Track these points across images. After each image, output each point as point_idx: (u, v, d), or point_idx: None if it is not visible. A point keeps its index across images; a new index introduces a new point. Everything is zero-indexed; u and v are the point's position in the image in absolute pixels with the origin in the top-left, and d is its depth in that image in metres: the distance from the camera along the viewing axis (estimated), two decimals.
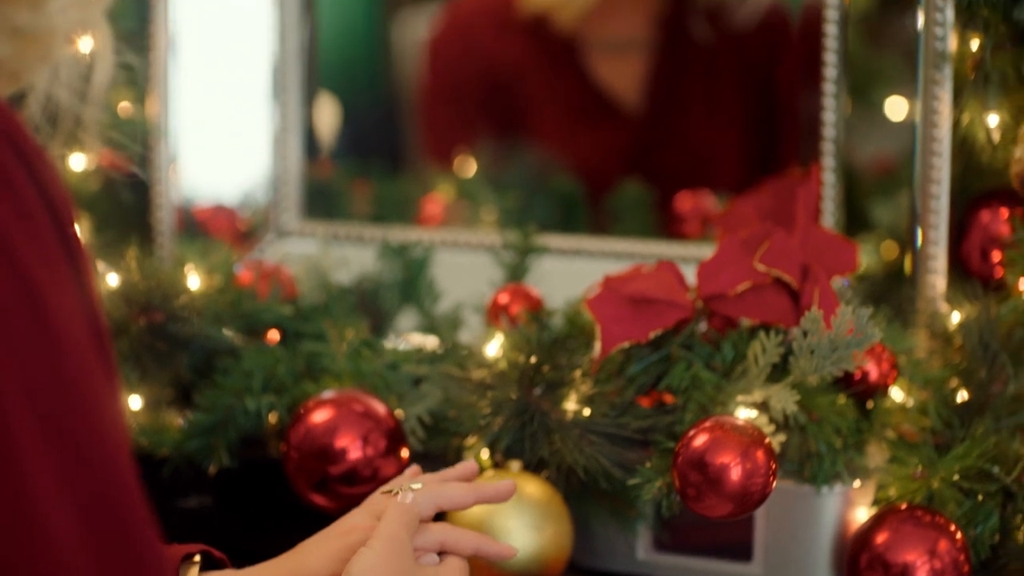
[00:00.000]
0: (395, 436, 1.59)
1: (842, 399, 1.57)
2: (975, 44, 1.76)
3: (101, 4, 1.12)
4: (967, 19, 1.76)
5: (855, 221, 2.09)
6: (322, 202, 2.20)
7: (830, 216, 1.86)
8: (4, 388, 0.94)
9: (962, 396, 1.67)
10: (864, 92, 2.24)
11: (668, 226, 2.20)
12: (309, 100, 2.17)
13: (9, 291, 0.95)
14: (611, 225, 2.19)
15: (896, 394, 1.65)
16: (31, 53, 1.07)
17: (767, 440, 1.44)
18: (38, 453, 0.95)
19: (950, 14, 1.75)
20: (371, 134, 2.54)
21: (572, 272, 1.87)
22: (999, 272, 1.75)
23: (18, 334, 0.95)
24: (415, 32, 2.83)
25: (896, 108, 2.05)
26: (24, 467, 0.94)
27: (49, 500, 0.95)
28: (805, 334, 1.50)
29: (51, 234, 0.98)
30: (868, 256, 2.01)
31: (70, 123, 1.18)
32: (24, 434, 0.94)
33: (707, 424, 1.43)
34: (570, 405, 1.59)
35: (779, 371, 1.55)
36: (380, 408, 1.60)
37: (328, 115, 2.30)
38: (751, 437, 1.43)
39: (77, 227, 1.01)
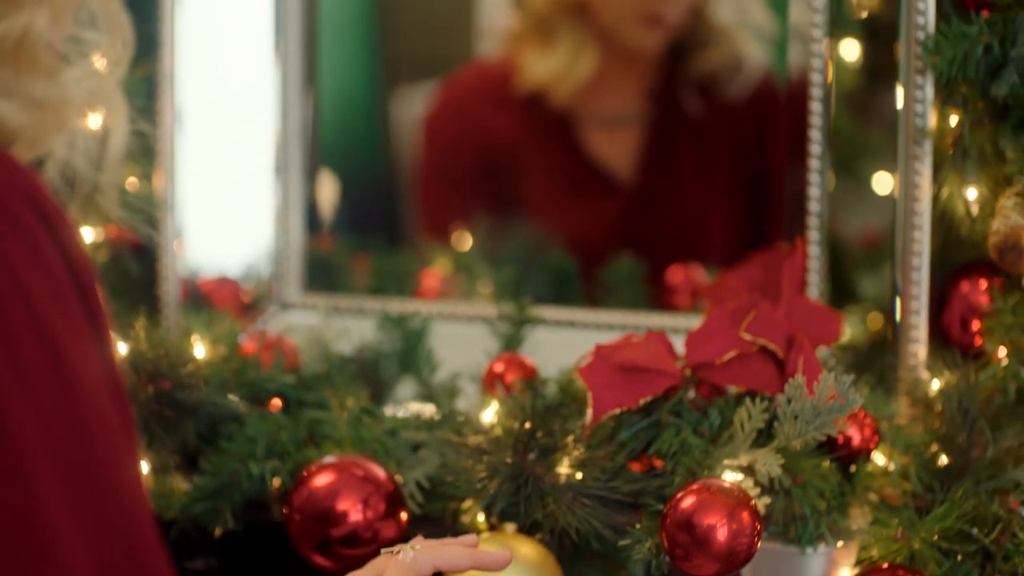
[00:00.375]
0: (394, 500, 1.64)
1: (826, 463, 1.62)
2: (954, 120, 1.81)
3: (115, 76, 1.18)
4: (946, 96, 1.82)
5: (842, 293, 2.13)
6: (323, 275, 2.23)
7: (815, 288, 1.91)
8: (23, 434, 0.98)
9: (942, 460, 1.72)
10: (851, 167, 2.29)
11: (659, 298, 2.23)
12: (311, 176, 2.21)
13: (32, 343, 0.99)
14: (603, 297, 2.22)
15: (878, 458, 1.70)
16: (48, 122, 1.12)
17: (752, 502, 1.50)
18: (55, 495, 0.99)
19: (930, 91, 1.81)
20: (370, 209, 2.57)
21: (565, 342, 1.89)
22: (978, 341, 1.79)
23: (39, 383, 0.99)
24: (413, 108, 2.86)
25: (882, 182, 2.09)
26: (40, 508, 0.98)
27: (65, 539, 0.99)
28: (789, 400, 1.56)
29: (72, 292, 1.02)
30: (854, 327, 2.05)
31: (87, 189, 1.23)
32: (42, 477, 0.98)
33: (694, 487, 1.49)
34: (563, 469, 1.63)
35: (764, 436, 1.60)
36: (380, 473, 1.65)
37: (328, 191, 2.34)
38: (737, 499, 1.48)
39: (97, 287, 1.05)
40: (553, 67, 2.44)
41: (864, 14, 2.24)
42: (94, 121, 1.19)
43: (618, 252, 2.28)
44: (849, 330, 2.03)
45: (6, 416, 0.98)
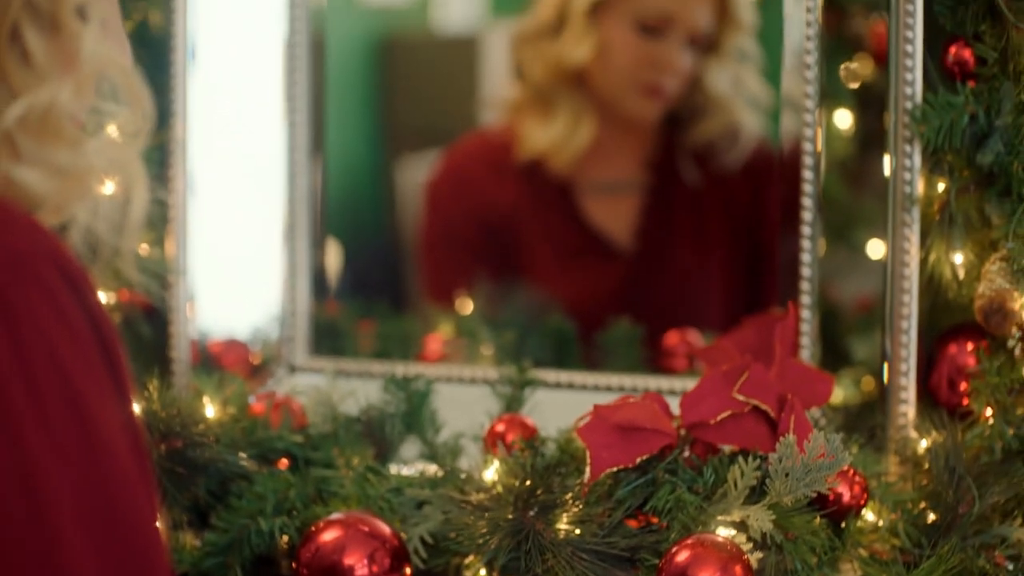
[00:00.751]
0: (399, 555, 1.68)
1: (816, 519, 1.64)
2: (941, 187, 1.85)
3: (136, 146, 1.23)
4: (933, 164, 1.85)
5: (837, 356, 2.18)
6: (329, 339, 2.25)
7: (807, 350, 1.95)
8: (49, 485, 1.02)
9: (930, 517, 1.74)
10: (846, 234, 2.32)
11: (656, 361, 2.25)
12: (318, 242, 2.24)
13: (58, 399, 1.04)
14: (602, 360, 2.24)
15: (868, 515, 1.73)
16: (72, 190, 1.17)
17: (745, 557, 1.54)
18: (79, 543, 1.03)
19: (917, 159, 1.85)
20: (375, 275, 2.59)
21: (564, 403, 1.91)
22: (965, 401, 1.83)
23: (65, 437, 1.04)
24: (417, 177, 2.89)
25: (876, 249, 2.13)
26: (66, 556, 1.03)
27: None
28: (780, 459, 1.60)
29: (96, 351, 1.07)
30: (847, 389, 2.09)
31: (107, 254, 1.28)
32: (67, 525, 1.03)
33: (689, 541, 1.54)
34: (562, 525, 1.66)
35: (757, 493, 1.64)
36: (385, 529, 1.69)
37: (334, 258, 2.37)
38: (730, 553, 1.53)
39: (119, 346, 1.10)
40: (553, 136, 2.46)
41: (856, 84, 2.29)
42: (115, 189, 1.23)
43: (616, 316, 2.29)
44: (842, 392, 2.08)
45: (34, 468, 1.03)
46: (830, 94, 2.30)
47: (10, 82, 1.13)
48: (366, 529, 1.67)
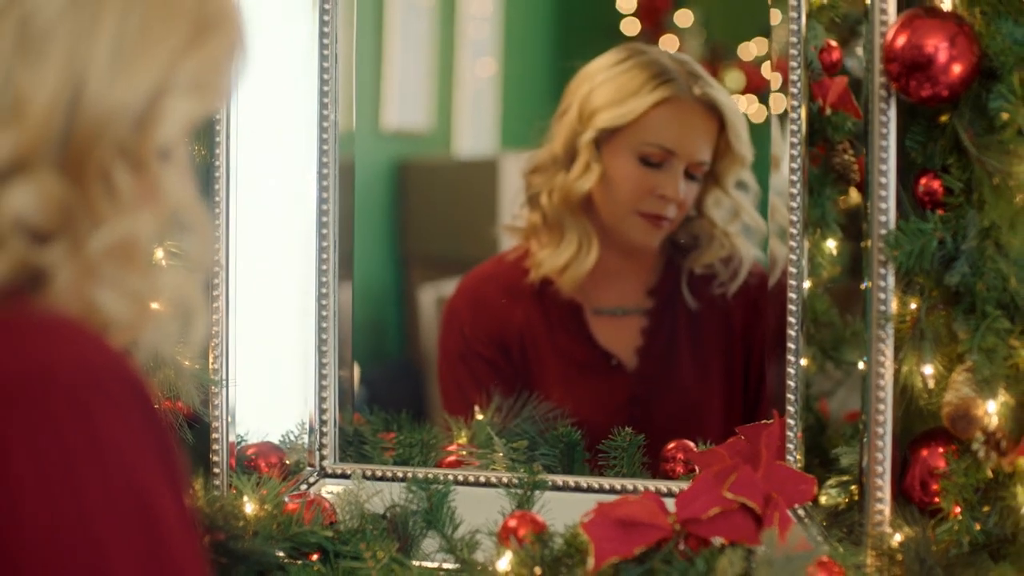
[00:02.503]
0: None
1: None
2: (913, 306, 1.93)
3: (200, 276, 1.37)
4: (906, 284, 1.93)
5: (827, 464, 2.22)
6: (355, 446, 2.31)
7: (791, 456, 2.05)
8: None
9: None
10: (836, 352, 2.43)
11: (656, 467, 2.28)
12: (345, 361, 2.31)
13: (126, 498, 1.15)
14: (606, 466, 2.26)
15: None
16: (143, 313, 1.27)
17: None
18: None
19: (891, 280, 1.93)
20: (397, 389, 2.71)
21: (571, 503, 2.00)
22: (936, 499, 1.91)
23: (132, 531, 1.15)
24: (436, 299, 3.02)
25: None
26: None
27: None
28: (764, 549, 1.76)
29: (157, 456, 1.19)
30: (837, 494, 2.17)
31: (167, 369, 1.40)
32: None
33: None
34: None
35: None
36: None
37: (356, 375, 2.44)
38: None
39: (177, 451, 1.21)
40: (562, 260, 2.53)
41: (843, 213, 2.34)
42: (177, 314, 1.32)
43: (620, 427, 2.28)
44: (834, 496, 2.19)
45: (107, 562, 1.14)
46: (820, 222, 2.35)
47: (96, 212, 1.22)
48: None
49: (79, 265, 1.23)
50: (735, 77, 4.63)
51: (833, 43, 2.39)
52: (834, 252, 2.37)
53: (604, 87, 2.54)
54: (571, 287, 2.56)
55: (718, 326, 2.57)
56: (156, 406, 1.22)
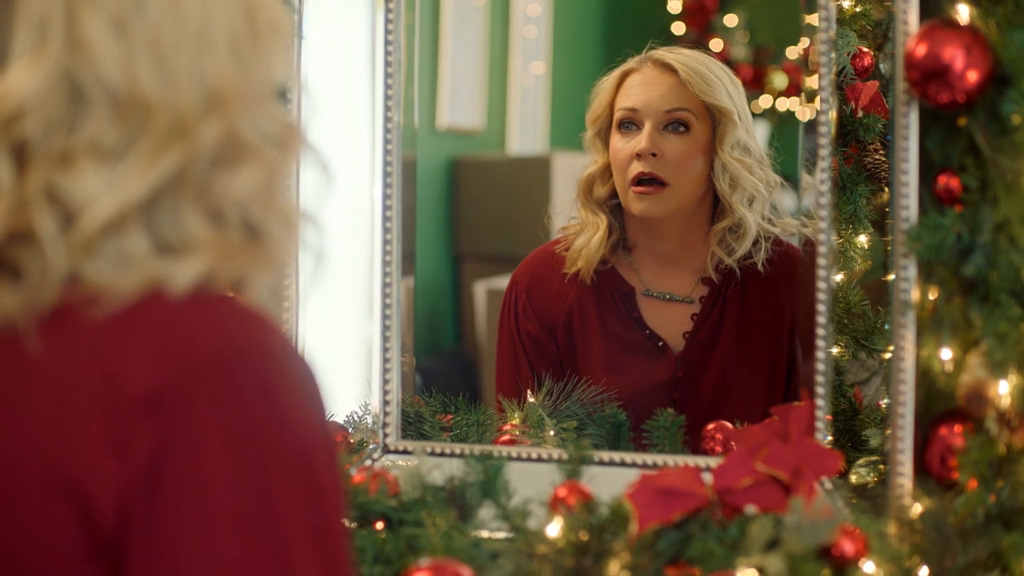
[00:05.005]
0: None
1: (824, 568, 1.88)
2: (932, 294, 2.01)
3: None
4: (926, 275, 2.01)
5: (857, 446, 2.38)
6: (415, 427, 2.45)
7: (820, 434, 2.15)
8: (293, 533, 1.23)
9: (922, 570, 1.94)
10: (870, 341, 2.52)
11: (695, 446, 2.42)
12: (408, 347, 2.44)
13: (301, 474, 1.23)
14: (649, 446, 2.38)
15: (868, 567, 1.91)
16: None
17: None
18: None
19: (912, 271, 2.01)
20: (450, 379, 2.83)
21: (616, 477, 2.10)
22: (954, 474, 1.99)
23: (307, 507, 1.24)
24: (490, 292, 3.14)
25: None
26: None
27: None
28: (792, 516, 1.90)
29: (321, 424, 1.28)
30: (867, 473, 2.29)
31: None
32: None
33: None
34: (613, 571, 1.91)
35: (773, 545, 1.89)
36: (466, 572, 1.92)
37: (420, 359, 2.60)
38: None
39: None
40: (579, 245, 2.67)
41: (873, 210, 2.47)
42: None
43: (663, 408, 2.41)
44: (864, 475, 2.30)
45: (283, 529, 1.22)
46: (852, 218, 2.48)
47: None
48: (451, 572, 1.90)
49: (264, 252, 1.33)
50: (780, 78, 4.76)
51: (865, 49, 2.53)
52: (865, 246, 2.50)
53: (598, 87, 2.72)
54: (587, 269, 2.67)
55: (764, 313, 2.67)
56: (319, 385, 1.29)
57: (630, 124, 2.66)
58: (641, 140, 2.63)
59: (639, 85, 2.66)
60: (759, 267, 2.63)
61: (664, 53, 2.67)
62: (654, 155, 2.63)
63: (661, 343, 2.68)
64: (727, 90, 2.64)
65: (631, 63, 2.69)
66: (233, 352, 1.23)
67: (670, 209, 2.66)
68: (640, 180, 2.64)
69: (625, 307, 2.69)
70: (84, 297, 1.24)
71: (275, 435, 1.22)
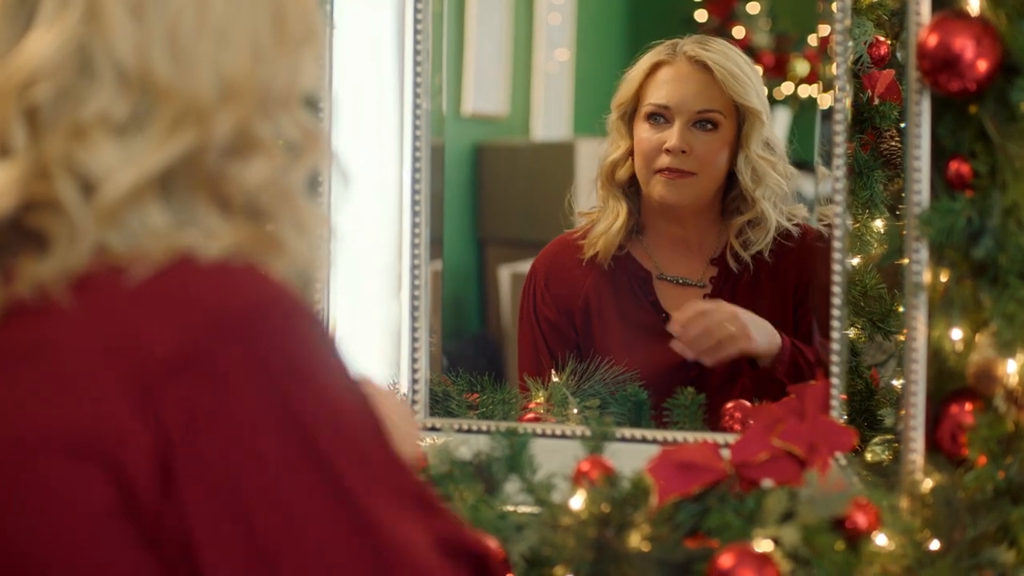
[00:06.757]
0: (503, 567, 1.97)
1: (837, 540, 1.94)
2: (944, 277, 2.05)
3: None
4: (938, 258, 2.05)
5: (873, 426, 2.44)
6: (442, 405, 2.52)
7: (835, 412, 2.21)
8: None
9: (932, 543, 1.97)
10: (886, 323, 2.57)
11: (714, 424, 2.46)
12: (435, 329, 2.51)
13: (329, 410, 1.27)
14: (670, 423, 2.43)
15: (880, 539, 1.96)
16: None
17: (777, 561, 1.90)
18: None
19: (924, 254, 2.05)
20: (475, 363, 2.88)
21: (637, 452, 2.16)
22: (964, 451, 2.03)
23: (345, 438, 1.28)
24: (513, 276, 3.20)
25: None
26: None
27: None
28: (806, 489, 1.96)
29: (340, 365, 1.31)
30: (881, 451, 2.35)
31: None
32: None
33: (731, 546, 1.90)
34: (634, 542, 1.96)
35: (788, 517, 1.95)
36: (493, 544, 1.97)
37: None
38: (765, 556, 1.89)
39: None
40: (599, 230, 2.72)
41: (889, 195, 2.52)
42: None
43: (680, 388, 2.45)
44: (879, 453, 2.35)
45: (327, 456, 1.25)
46: (869, 203, 2.54)
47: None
48: None
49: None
50: (802, 65, 4.80)
51: (881, 38, 2.59)
52: (881, 231, 2.54)
53: (627, 74, 2.74)
54: (604, 253, 2.72)
55: (774, 293, 2.69)
56: (330, 334, 1.35)
57: (659, 117, 2.69)
58: (672, 137, 2.67)
59: (672, 81, 2.70)
60: (766, 256, 2.68)
61: (697, 49, 2.68)
62: (683, 152, 2.67)
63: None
64: (756, 90, 2.68)
65: (662, 54, 2.71)
66: (253, 310, 1.27)
67: (691, 196, 2.71)
68: (662, 169, 2.69)
69: (641, 291, 2.73)
70: (108, 266, 1.28)
71: (303, 383, 1.26)
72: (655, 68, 2.71)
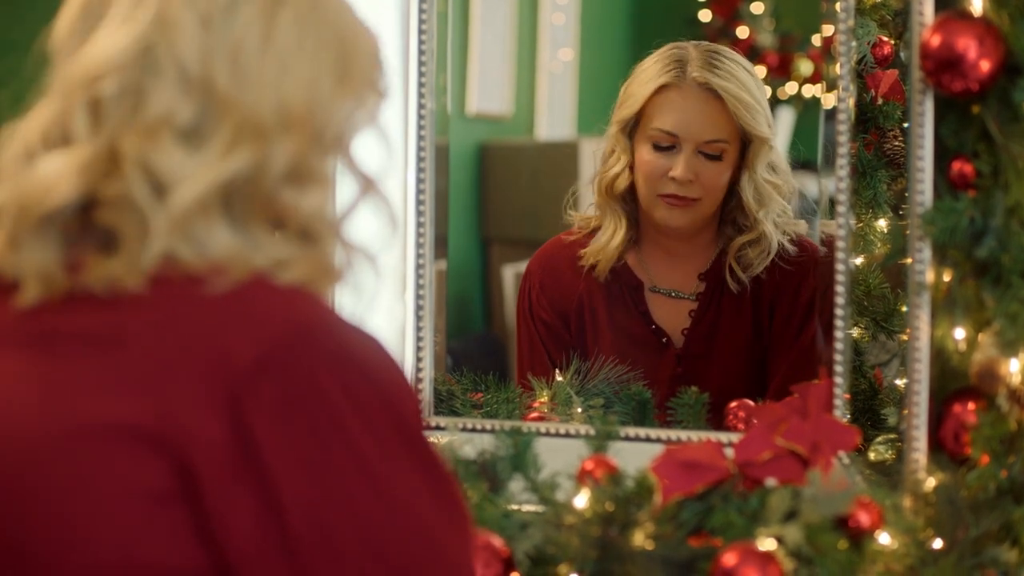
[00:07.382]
0: (507, 564, 1.98)
1: (840, 538, 1.94)
2: (946, 276, 2.05)
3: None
4: (941, 257, 2.05)
5: (877, 425, 2.45)
6: (447, 404, 2.52)
7: (839, 411, 2.21)
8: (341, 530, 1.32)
9: (935, 542, 1.98)
10: (889, 323, 2.58)
11: (717, 424, 2.47)
12: (440, 328, 2.52)
13: (384, 415, 1.34)
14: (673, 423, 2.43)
15: (883, 538, 1.96)
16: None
17: (780, 559, 1.90)
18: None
19: (927, 254, 2.05)
20: (484, 354, 2.88)
21: (641, 451, 2.16)
22: (967, 450, 2.03)
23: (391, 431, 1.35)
24: (515, 275, 3.19)
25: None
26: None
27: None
28: (809, 487, 1.96)
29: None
30: (885, 450, 2.36)
31: None
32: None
33: (735, 545, 1.91)
34: (638, 540, 1.96)
35: (792, 516, 1.95)
36: (497, 542, 1.98)
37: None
38: (769, 555, 1.90)
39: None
40: (599, 244, 2.69)
41: (893, 195, 2.52)
42: None
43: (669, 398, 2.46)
44: (883, 452, 2.35)
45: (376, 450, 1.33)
46: (872, 203, 2.53)
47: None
48: (482, 542, 1.96)
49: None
50: (806, 65, 4.80)
51: (885, 38, 2.59)
52: (884, 230, 2.54)
53: (631, 82, 2.68)
54: (604, 266, 2.70)
55: (757, 309, 2.69)
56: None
57: (665, 143, 2.64)
58: (678, 166, 2.62)
59: (680, 110, 2.64)
60: (754, 268, 2.67)
61: (707, 74, 2.62)
62: (690, 181, 2.63)
63: (665, 339, 2.71)
64: (765, 115, 2.62)
65: (670, 76, 2.64)
66: (316, 323, 1.35)
67: (694, 219, 2.68)
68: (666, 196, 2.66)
69: (633, 301, 2.72)
70: (183, 273, 1.34)
71: (364, 383, 1.34)
72: (660, 89, 2.65)
